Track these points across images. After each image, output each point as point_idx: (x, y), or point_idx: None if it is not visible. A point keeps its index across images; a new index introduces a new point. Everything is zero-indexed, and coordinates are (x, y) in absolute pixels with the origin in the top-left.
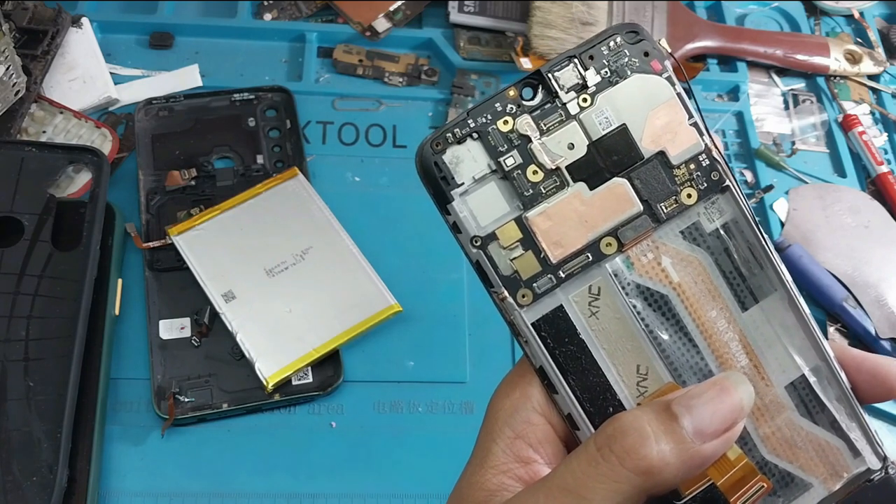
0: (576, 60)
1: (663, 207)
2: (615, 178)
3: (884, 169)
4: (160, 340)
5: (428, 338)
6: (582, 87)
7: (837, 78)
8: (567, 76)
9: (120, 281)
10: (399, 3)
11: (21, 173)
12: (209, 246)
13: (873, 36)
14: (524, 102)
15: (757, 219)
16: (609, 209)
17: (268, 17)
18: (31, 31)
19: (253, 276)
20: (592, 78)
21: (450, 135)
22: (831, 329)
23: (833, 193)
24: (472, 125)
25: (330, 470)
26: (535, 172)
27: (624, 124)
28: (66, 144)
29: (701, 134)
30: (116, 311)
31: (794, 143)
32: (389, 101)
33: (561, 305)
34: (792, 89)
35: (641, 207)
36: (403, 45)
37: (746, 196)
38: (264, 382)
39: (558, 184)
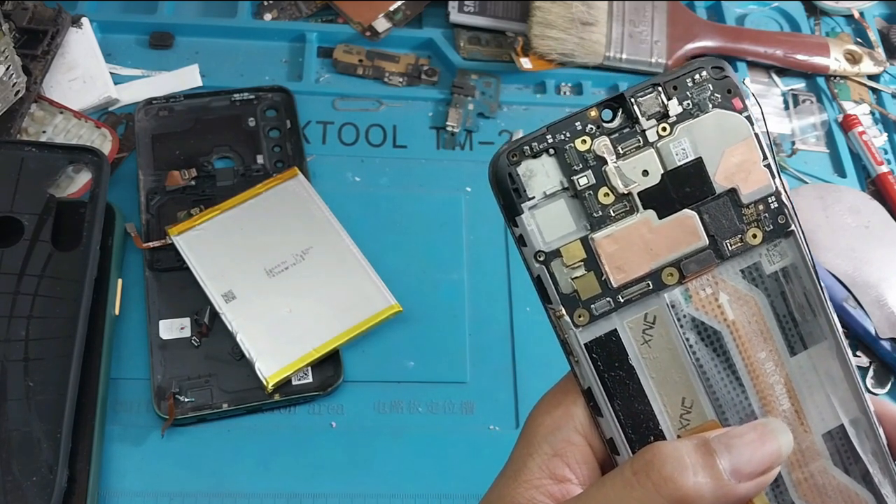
0: (659, 88)
1: (728, 244)
2: (685, 210)
3: (884, 169)
4: (160, 340)
5: (428, 338)
6: (663, 116)
7: (837, 78)
8: (649, 103)
9: (120, 281)
10: (399, 3)
11: (21, 173)
12: (209, 246)
13: (873, 36)
14: (604, 124)
15: (816, 267)
16: (675, 240)
17: (268, 17)
18: (31, 31)
19: (253, 277)
20: (674, 108)
21: (527, 148)
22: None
23: (833, 193)
24: (551, 140)
25: (330, 470)
26: (606, 195)
27: (700, 157)
28: (66, 144)
29: (773, 176)
30: (116, 311)
31: (794, 143)
32: (390, 101)
33: (615, 329)
34: (792, 89)
35: (707, 242)
36: (403, 45)
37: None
38: (264, 382)
39: (628, 209)
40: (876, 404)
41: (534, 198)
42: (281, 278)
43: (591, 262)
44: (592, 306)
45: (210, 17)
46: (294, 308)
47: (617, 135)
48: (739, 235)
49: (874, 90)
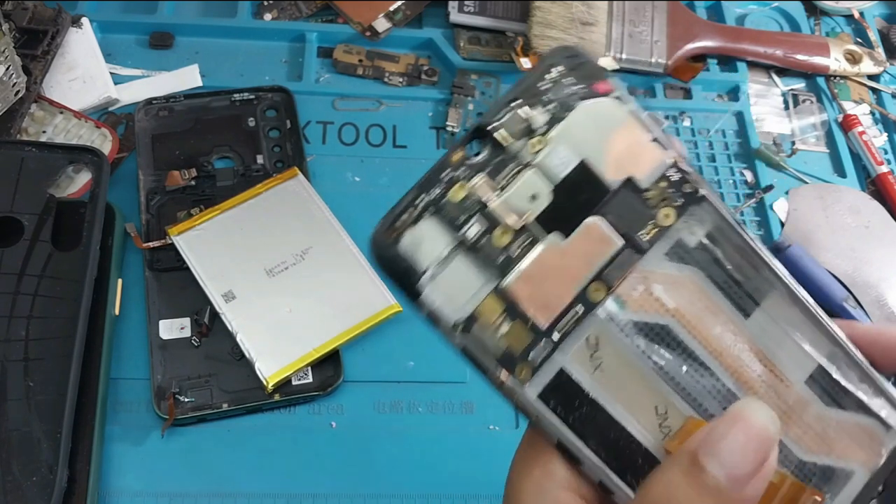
0: (517, 103)
1: (644, 235)
2: (588, 219)
3: (884, 169)
4: (160, 340)
5: (428, 338)
6: (530, 131)
7: (837, 78)
8: (511, 122)
9: (120, 281)
10: (399, 3)
11: (21, 173)
12: (209, 246)
13: (873, 36)
14: (472, 162)
15: (740, 219)
16: (589, 253)
17: (268, 17)
18: (31, 31)
19: (253, 276)
20: (539, 118)
21: (402, 219)
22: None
23: (833, 193)
24: (423, 201)
25: (330, 470)
26: (502, 235)
27: (582, 160)
28: (66, 144)
29: (665, 148)
30: (116, 311)
31: (793, 143)
32: (389, 101)
33: (562, 369)
34: (792, 89)
35: (622, 242)
36: (403, 45)
37: (746, 195)
38: (264, 382)
39: (530, 241)
40: (846, 329)
41: (428, 269)
42: (281, 278)
43: (512, 311)
44: (530, 356)
45: (210, 17)
46: (294, 308)
47: (491, 168)
48: (651, 222)
49: (874, 90)
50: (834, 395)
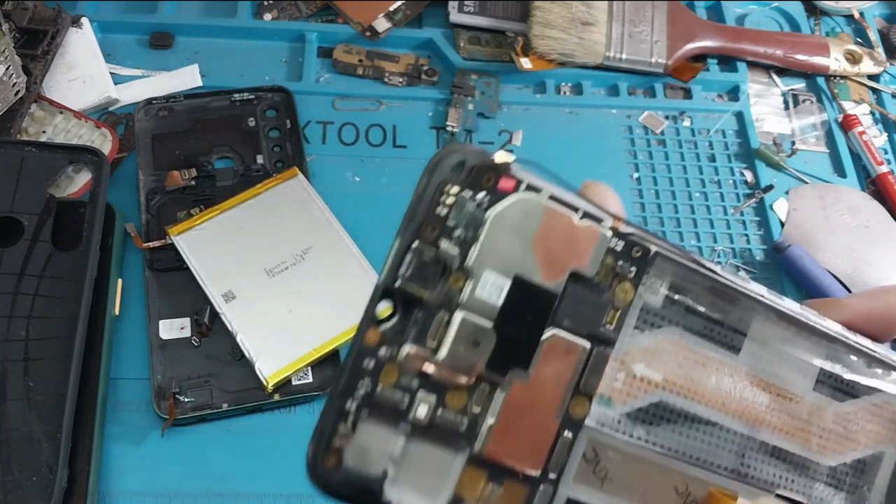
0: (417, 245)
1: (608, 325)
2: (544, 336)
3: (884, 169)
4: (160, 340)
5: None
6: (444, 270)
7: (837, 78)
8: (419, 270)
9: (120, 281)
10: (399, 2)
11: (21, 173)
12: (209, 246)
13: (873, 36)
14: (391, 333)
15: (697, 256)
16: (558, 372)
17: (268, 17)
18: (31, 31)
19: (253, 276)
20: (450, 250)
21: (338, 435)
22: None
23: (833, 193)
24: (354, 406)
25: None
26: (456, 399)
27: (514, 275)
28: (66, 144)
29: (598, 220)
30: (116, 311)
31: (793, 143)
32: (389, 101)
33: (568, 499)
34: (792, 89)
35: (588, 344)
36: (403, 45)
37: (746, 195)
38: (264, 382)
39: (488, 390)
40: (835, 312)
41: (386, 474)
42: (281, 278)
43: (497, 473)
44: None
45: (210, 17)
46: (294, 308)
47: (415, 331)
48: (610, 305)
49: (874, 90)
50: (844, 389)
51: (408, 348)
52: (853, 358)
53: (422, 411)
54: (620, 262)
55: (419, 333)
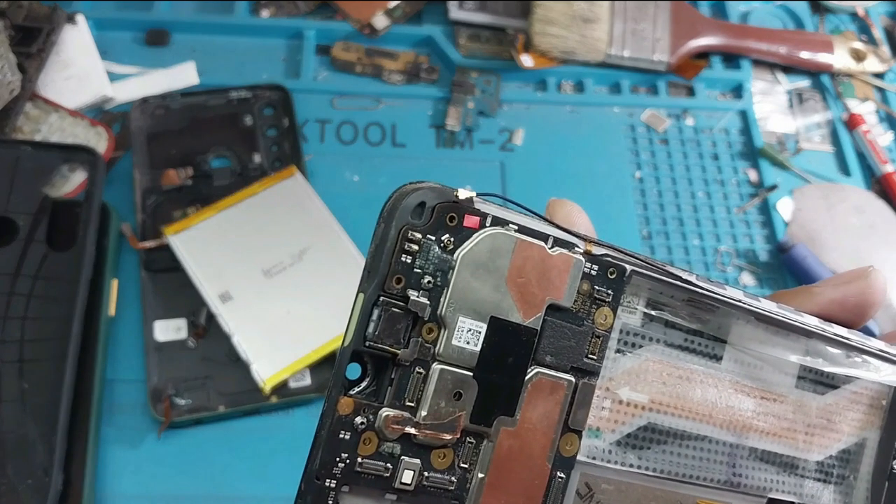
0: (384, 300)
1: (590, 356)
2: (527, 377)
3: (889, 168)
4: (156, 342)
5: None
6: (416, 320)
7: (842, 76)
8: (389, 325)
9: (115, 281)
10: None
11: (16, 172)
12: (205, 246)
13: (878, 34)
14: (362, 396)
15: (670, 268)
16: (545, 413)
17: (265, 13)
18: (26, 28)
19: (250, 277)
20: (419, 301)
21: None
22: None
23: (838, 193)
24: (334, 483)
25: None
26: (442, 458)
27: (491, 316)
28: (61, 143)
29: (570, 247)
30: (112, 312)
31: (798, 141)
32: (388, 100)
33: None
34: (796, 87)
35: (573, 378)
36: (403, 43)
37: (750, 195)
38: (261, 384)
39: (475, 443)
40: (807, 302)
41: None
42: (278, 279)
43: None
44: None
45: (207, 14)
46: (291, 309)
47: (391, 392)
48: (591, 335)
49: (879, 88)
50: (825, 381)
51: (385, 412)
52: (830, 349)
53: (407, 477)
54: (597, 287)
55: (396, 394)
